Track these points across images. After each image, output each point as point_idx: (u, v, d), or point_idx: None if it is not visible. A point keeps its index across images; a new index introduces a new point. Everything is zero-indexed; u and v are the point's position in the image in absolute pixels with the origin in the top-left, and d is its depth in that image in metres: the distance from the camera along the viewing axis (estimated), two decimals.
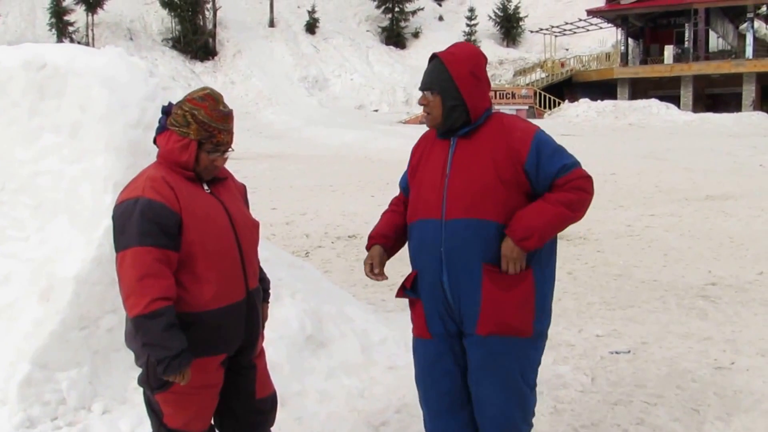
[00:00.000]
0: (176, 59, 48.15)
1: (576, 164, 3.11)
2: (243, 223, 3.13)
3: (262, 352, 3.36)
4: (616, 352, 5.95)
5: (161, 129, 3.06)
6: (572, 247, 10.55)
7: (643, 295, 7.84)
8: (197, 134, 2.96)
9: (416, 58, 53.05)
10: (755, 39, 46.87)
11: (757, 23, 48.85)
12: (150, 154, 4.51)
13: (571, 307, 7.39)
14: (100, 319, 4.44)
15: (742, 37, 49.77)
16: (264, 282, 3.38)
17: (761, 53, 46.37)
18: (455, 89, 3.11)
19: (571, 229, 11.60)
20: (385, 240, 3.38)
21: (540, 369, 5.35)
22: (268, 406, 3.38)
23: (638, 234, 11.46)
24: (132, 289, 2.83)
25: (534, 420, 4.51)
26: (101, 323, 4.44)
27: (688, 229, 11.75)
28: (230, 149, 3.09)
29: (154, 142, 3.11)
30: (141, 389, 3.44)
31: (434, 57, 3.21)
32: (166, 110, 3.07)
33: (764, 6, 49.38)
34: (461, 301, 3.11)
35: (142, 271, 2.81)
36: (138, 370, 3.11)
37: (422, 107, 3.21)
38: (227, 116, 3.02)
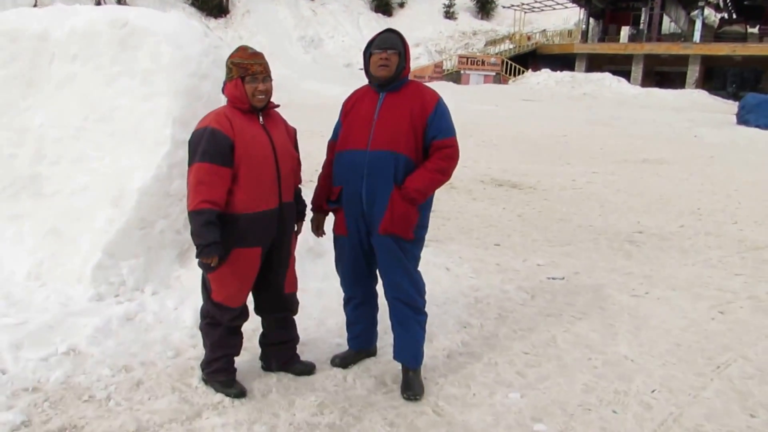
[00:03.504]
0: (193, 15, 47.57)
1: (452, 133, 3.82)
2: (283, 151, 3.65)
3: (293, 257, 3.92)
4: (553, 278, 6.31)
5: (224, 85, 3.62)
6: (523, 195, 10.74)
7: (579, 236, 8.13)
8: (238, 72, 3.54)
9: (401, 26, 52.31)
10: (704, 25, 46.14)
11: (707, 11, 48.33)
12: (202, 98, 5.01)
13: (518, 243, 7.70)
14: (155, 223, 4.91)
15: (692, 23, 49.15)
16: (300, 204, 3.94)
17: (708, 38, 45.75)
18: (404, 56, 3.80)
19: (524, 180, 11.96)
20: (324, 208, 4.06)
21: (489, 286, 5.87)
22: (293, 299, 3.98)
23: (581, 188, 11.58)
24: (190, 191, 3.40)
25: (481, 323, 5.08)
26: (156, 226, 4.91)
27: (624, 186, 11.88)
28: (268, 78, 3.62)
29: (224, 93, 3.66)
30: (181, 277, 3.98)
31: (392, 30, 3.87)
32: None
33: None
34: (373, 208, 3.78)
35: (197, 179, 3.38)
36: (182, 261, 3.60)
37: (382, 60, 3.75)
38: (255, 54, 3.61)
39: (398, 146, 3.72)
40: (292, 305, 3.98)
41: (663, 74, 46.46)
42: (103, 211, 4.89)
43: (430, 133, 3.76)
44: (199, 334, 3.95)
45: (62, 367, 3.88)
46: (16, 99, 5.40)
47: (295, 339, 4.10)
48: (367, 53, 3.85)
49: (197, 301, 3.90)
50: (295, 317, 4.07)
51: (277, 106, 3.76)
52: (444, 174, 3.78)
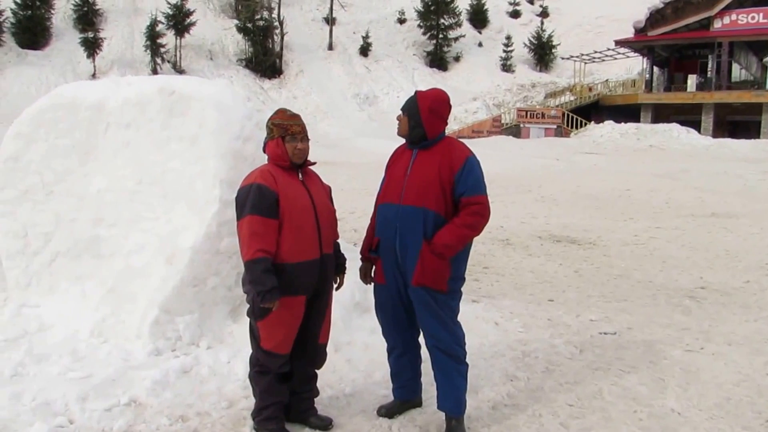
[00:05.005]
0: (248, 77, 49.92)
1: (480, 190, 4.10)
2: (322, 205, 4.10)
3: (330, 307, 4.29)
4: (605, 333, 6.46)
5: (265, 144, 4.10)
6: (582, 251, 10.85)
7: (637, 292, 8.20)
8: (278, 132, 4.02)
9: (457, 80, 53.59)
10: None
11: None
12: (246, 159, 5.47)
13: (573, 298, 7.87)
14: (207, 279, 5.36)
15: (765, 69, 48.49)
16: (339, 258, 4.34)
17: None
18: (418, 117, 4.17)
19: (584, 236, 12.09)
20: (366, 256, 4.46)
21: (538, 341, 6.06)
22: (324, 350, 4.34)
23: (643, 243, 11.60)
24: (244, 242, 3.84)
25: (528, 376, 5.31)
26: (208, 282, 5.36)
27: (689, 241, 11.86)
28: (306, 138, 4.09)
29: (265, 152, 4.13)
30: (234, 332, 4.36)
31: (415, 93, 4.27)
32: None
33: None
34: (405, 260, 4.14)
35: (251, 231, 3.82)
36: (234, 317, 4.00)
37: (398, 120, 4.27)
38: (293, 115, 4.10)
39: (427, 202, 4.06)
40: (321, 356, 4.34)
41: (736, 124, 45.80)
42: (158, 270, 5.36)
43: (458, 191, 4.07)
44: (251, 386, 4.32)
45: (124, 417, 4.30)
46: (75, 166, 5.95)
47: (315, 391, 4.42)
48: None
49: (249, 354, 4.27)
50: (338, 372, 4.38)
51: (314, 163, 4.22)
52: (472, 230, 4.08)
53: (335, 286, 4.38)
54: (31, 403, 4.39)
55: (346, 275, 4.49)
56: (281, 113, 4.10)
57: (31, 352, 5.10)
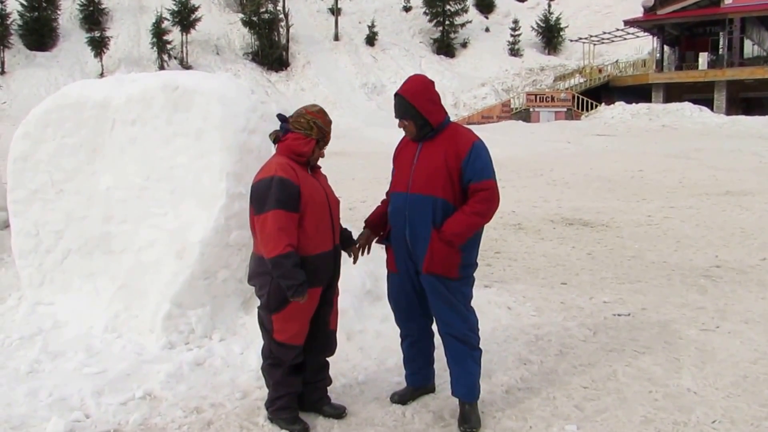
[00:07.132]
0: (255, 70, 50.09)
1: (488, 175, 4.07)
2: (333, 198, 4.15)
3: (338, 295, 4.34)
4: (618, 315, 6.45)
5: (286, 131, 4.06)
6: (595, 233, 10.82)
7: (651, 273, 8.18)
8: (317, 135, 4.05)
9: (464, 66, 53.47)
10: None
11: None
12: (252, 152, 5.47)
13: (586, 281, 7.86)
14: (217, 272, 5.40)
15: None
16: (344, 231, 4.37)
17: None
18: (420, 116, 4.10)
19: (596, 218, 12.09)
20: (374, 225, 4.44)
21: (551, 324, 6.08)
22: (334, 336, 4.39)
23: (657, 223, 11.56)
24: (272, 237, 3.81)
25: (541, 359, 5.32)
26: (218, 275, 5.41)
27: (703, 220, 11.82)
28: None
29: (274, 141, 4.11)
30: (246, 324, 4.37)
31: (398, 95, 4.15)
32: (284, 118, 4.09)
33: None
34: (416, 248, 4.15)
35: (279, 226, 3.81)
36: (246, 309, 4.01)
37: (402, 126, 4.19)
38: (331, 123, 4.14)
39: (435, 190, 4.06)
40: (333, 343, 4.37)
41: (749, 100, 45.59)
42: (168, 265, 5.41)
43: (465, 177, 4.04)
44: (264, 377, 4.34)
45: (140, 411, 4.34)
46: (83, 164, 5.98)
47: (327, 380, 4.44)
48: None
49: (261, 345, 4.30)
50: (351, 361, 4.40)
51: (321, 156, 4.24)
52: (482, 216, 4.07)
53: (351, 259, 4.43)
54: (48, 398, 4.45)
55: (356, 265, 4.51)
56: (322, 115, 4.10)
57: (46, 349, 5.17)
